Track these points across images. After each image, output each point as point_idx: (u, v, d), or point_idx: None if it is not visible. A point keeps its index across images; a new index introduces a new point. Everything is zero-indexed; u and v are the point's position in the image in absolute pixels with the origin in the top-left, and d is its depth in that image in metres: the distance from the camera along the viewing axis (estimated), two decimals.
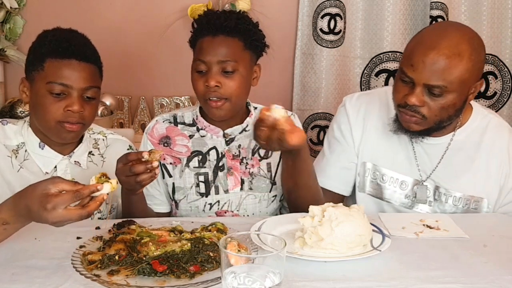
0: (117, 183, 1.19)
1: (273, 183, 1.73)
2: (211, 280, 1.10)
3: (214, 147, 1.71)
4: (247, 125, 1.72)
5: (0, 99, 2.76)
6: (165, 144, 1.71)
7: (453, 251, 1.32)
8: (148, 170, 1.33)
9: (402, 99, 1.55)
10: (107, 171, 1.67)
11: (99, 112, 2.59)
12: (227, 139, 1.71)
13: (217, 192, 1.68)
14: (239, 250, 1.10)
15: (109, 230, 1.35)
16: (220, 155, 1.70)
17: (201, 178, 1.69)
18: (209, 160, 1.70)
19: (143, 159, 1.33)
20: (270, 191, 1.72)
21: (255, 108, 1.79)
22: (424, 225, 1.49)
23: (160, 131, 1.72)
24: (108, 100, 2.72)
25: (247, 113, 1.75)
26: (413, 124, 1.56)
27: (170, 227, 1.35)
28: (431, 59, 1.47)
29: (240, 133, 1.72)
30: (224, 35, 1.59)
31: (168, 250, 1.19)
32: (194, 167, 1.69)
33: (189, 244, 1.21)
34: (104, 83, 1.64)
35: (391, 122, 1.65)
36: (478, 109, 1.72)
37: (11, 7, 2.69)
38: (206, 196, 1.68)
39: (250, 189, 1.70)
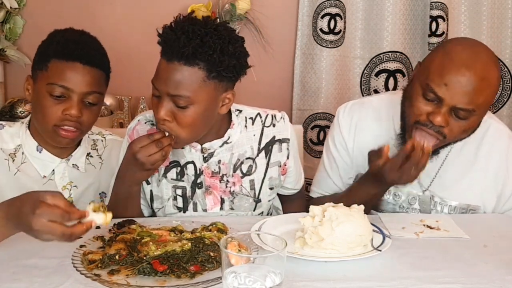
0: (111, 217, 1.15)
1: (258, 201, 1.61)
2: (212, 280, 1.10)
3: (192, 162, 1.57)
4: (228, 137, 1.56)
5: (0, 99, 2.76)
6: None
7: (453, 251, 1.32)
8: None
9: (425, 116, 1.46)
10: (105, 174, 1.67)
11: None
12: (205, 155, 1.56)
13: (195, 209, 1.59)
14: (239, 250, 1.10)
15: (110, 230, 1.35)
16: (198, 172, 1.57)
17: (179, 191, 1.58)
18: (187, 174, 1.58)
19: (167, 135, 1.41)
20: (254, 210, 1.62)
21: (240, 111, 1.61)
22: (424, 225, 1.49)
23: (141, 133, 1.57)
24: (108, 100, 2.72)
25: (228, 123, 1.58)
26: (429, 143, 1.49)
27: (170, 227, 1.35)
28: (467, 80, 1.40)
29: (220, 146, 1.56)
30: (181, 63, 1.34)
31: (168, 249, 1.19)
32: (172, 179, 1.58)
33: (189, 244, 1.21)
34: None
35: (394, 137, 1.61)
36: None
37: (11, 7, 2.68)
38: (184, 212, 1.59)
39: (231, 208, 1.59)
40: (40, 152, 1.58)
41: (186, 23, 1.37)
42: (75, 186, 1.62)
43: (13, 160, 1.57)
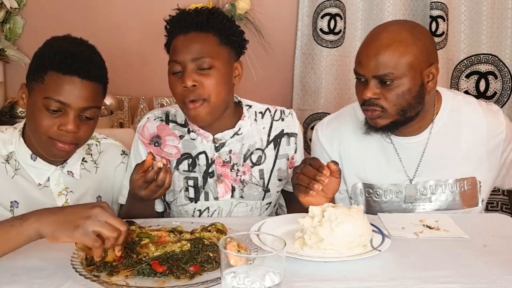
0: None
1: (267, 190, 1.67)
2: (211, 280, 1.10)
3: (204, 152, 1.64)
4: (239, 129, 1.65)
5: (0, 99, 2.76)
6: (156, 144, 1.66)
7: (453, 251, 1.32)
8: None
9: (361, 97, 1.58)
10: (101, 178, 1.66)
11: None
12: (217, 145, 1.64)
13: (206, 199, 1.64)
14: (238, 251, 1.10)
15: None
16: (209, 161, 1.64)
17: (191, 182, 1.64)
18: (198, 164, 1.64)
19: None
20: (263, 199, 1.67)
21: (250, 106, 1.71)
22: (424, 225, 1.49)
23: (151, 130, 1.67)
24: (108, 100, 2.72)
25: (239, 115, 1.67)
26: (377, 119, 1.58)
27: (169, 228, 1.35)
28: (373, 50, 1.54)
29: (231, 137, 1.64)
30: (197, 32, 1.54)
31: (168, 250, 1.19)
32: (184, 171, 1.64)
33: (188, 245, 1.21)
34: None
35: (362, 126, 1.67)
36: (445, 92, 1.72)
37: (11, 7, 2.69)
38: (196, 202, 1.64)
39: (241, 197, 1.64)
40: (34, 160, 1.53)
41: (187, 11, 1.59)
42: (71, 191, 1.58)
43: (9, 164, 1.53)
